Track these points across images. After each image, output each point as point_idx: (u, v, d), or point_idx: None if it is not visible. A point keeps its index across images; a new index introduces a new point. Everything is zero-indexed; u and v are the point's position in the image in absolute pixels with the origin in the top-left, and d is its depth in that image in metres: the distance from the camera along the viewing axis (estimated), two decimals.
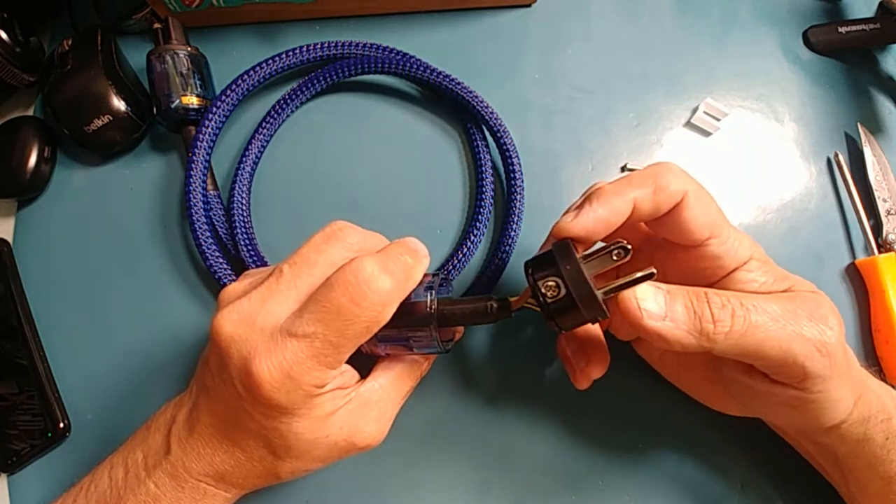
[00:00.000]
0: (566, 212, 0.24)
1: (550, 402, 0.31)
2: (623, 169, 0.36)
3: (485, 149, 0.34)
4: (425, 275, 0.24)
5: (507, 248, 0.32)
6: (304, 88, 0.35)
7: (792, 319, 0.21)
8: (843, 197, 0.36)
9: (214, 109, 0.33)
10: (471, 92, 0.34)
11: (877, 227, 0.35)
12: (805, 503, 0.30)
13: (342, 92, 0.36)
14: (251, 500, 0.29)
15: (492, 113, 0.34)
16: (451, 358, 0.32)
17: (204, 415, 0.23)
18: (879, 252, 0.34)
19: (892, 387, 0.27)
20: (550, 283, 0.22)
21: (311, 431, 0.22)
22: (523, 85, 0.37)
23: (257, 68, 0.34)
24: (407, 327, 0.24)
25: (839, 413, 0.23)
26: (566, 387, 0.31)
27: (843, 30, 0.39)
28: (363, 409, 0.24)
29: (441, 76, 0.34)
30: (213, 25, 0.37)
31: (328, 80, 0.35)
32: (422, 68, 0.34)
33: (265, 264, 0.32)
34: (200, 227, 0.32)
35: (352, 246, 0.23)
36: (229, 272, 0.32)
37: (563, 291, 0.21)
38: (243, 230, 0.32)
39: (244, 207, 0.33)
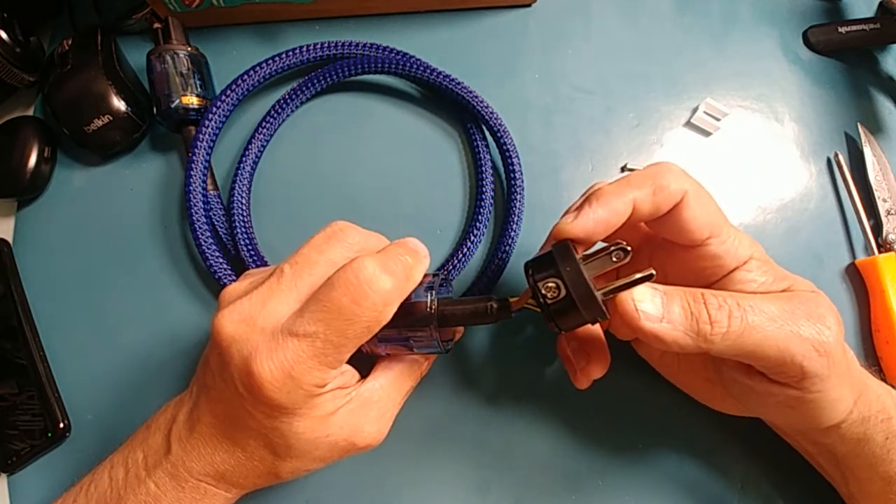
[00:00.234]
0: (566, 213, 0.24)
1: (550, 401, 0.31)
2: (623, 169, 0.36)
3: (485, 149, 0.34)
4: (425, 275, 0.24)
5: (507, 248, 0.32)
6: (303, 88, 0.35)
7: (789, 319, 0.21)
8: (843, 197, 0.36)
9: (214, 109, 0.33)
10: (471, 92, 0.34)
11: (877, 227, 0.35)
12: (805, 503, 0.30)
13: (342, 92, 0.36)
14: (251, 500, 0.29)
15: (492, 113, 0.34)
16: (451, 358, 0.32)
17: (204, 414, 0.23)
18: (879, 252, 0.34)
19: (893, 387, 0.27)
20: (550, 284, 0.22)
21: (312, 431, 0.22)
22: (523, 85, 0.37)
23: (257, 68, 0.34)
24: (407, 327, 0.24)
25: (838, 413, 0.23)
26: (566, 387, 0.31)
27: (843, 30, 0.39)
28: (363, 408, 0.24)
29: (441, 76, 0.34)
30: (213, 25, 0.37)
31: (328, 80, 0.35)
32: (422, 68, 0.34)
33: (265, 264, 0.32)
34: (200, 227, 0.32)
35: (352, 246, 0.23)
36: (229, 272, 0.32)
37: (563, 292, 0.21)
38: (243, 230, 0.32)
39: (244, 207, 0.33)
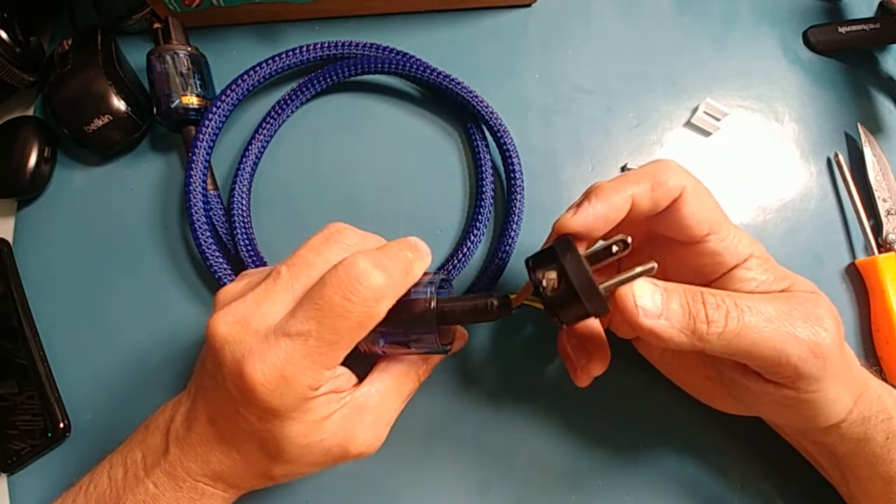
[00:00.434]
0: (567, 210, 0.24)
1: (550, 401, 0.31)
2: (623, 169, 0.36)
3: (485, 149, 0.34)
4: (426, 273, 0.24)
5: (507, 248, 0.32)
6: (304, 88, 0.35)
7: (786, 320, 0.21)
8: (843, 197, 0.36)
9: (214, 109, 0.33)
10: (471, 92, 0.34)
11: (877, 227, 0.35)
12: (805, 503, 0.30)
13: (342, 92, 0.36)
14: (251, 500, 0.29)
15: (492, 113, 0.34)
16: (451, 358, 0.32)
17: (201, 415, 0.23)
18: (879, 252, 0.34)
19: (893, 386, 0.27)
20: (551, 276, 0.22)
21: (304, 436, 0.22)
22: (523, 85, 0.37)
23: (257, 68, 0.34)
24: (406, 325, 0.23)
25: (836, 413, 0.23)
26: (566, 386, 0.31)
27: (843, 30, 0.39)
28: (358, 414, 0.23)
29: (441, 76, 0.34)
30: (213, 25, 0.37)
31: (328, 80, 0.35)
32: (422, 68, 0.34)
33: (264, 264, 0.32)
34: (200, 228, 0.32)
35: (350, 247, 0.23)
36: (229, 272, 0.32)
37: (564, 284, 0.21)
38: (243, 230, 0.32)
39: (244, 207, 0.33)
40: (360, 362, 0.24)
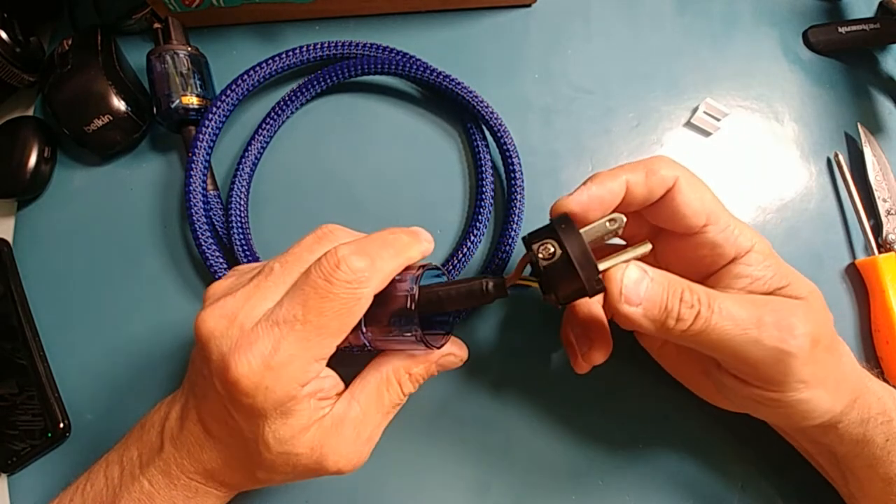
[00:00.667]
0: None
1: (551, 401, 0.31)
2: None
3: (485, 149, 0.34)
4: (421, 266, 0.24)
5: (507, 248, 0.32)
6: (304, 89, 0.35)
7: (754, 326, 0.21)
8: (843, 197, 0.36)
9: (214, 109, 0.33)
10: (471, 92, 0.34)
11: (877, 227, 0.35)
12: (805, 503, 0.30)
13: (342, 92, 0.36)
14: (252, 500, 0.29)
15: (492, 113, 0.34)
16: None
17: (192, 412, 0.23)
18: (879, 252, 0.34)
19: (894, 387, 0.27)
20: (547, 246, 0.22)
21: (282, 443, 0.21)
22: (523, 85, 0.37)
23: (257, 68, 0.34)
24: (392, 314, 0.23)
25: (815, 415, 0.23)
26: (566, 386, 0.31)
27: (843, 30, 0.39)
28: (337, 427, 0.23)
29: (441, 76, 0.34)
30: (213, 25, 0.37)
31: (328, 80, 0.35)
32: (422, 68, 0.34)
33: None
34: (200, 227, 0.32)
35: None
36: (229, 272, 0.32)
37: (559, 251, 0.21)
38: (240, 230, 0.32)
39: (242, 207, 0.33)
40: (350, 372, 0.24)
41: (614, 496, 0.30)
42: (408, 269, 0.24)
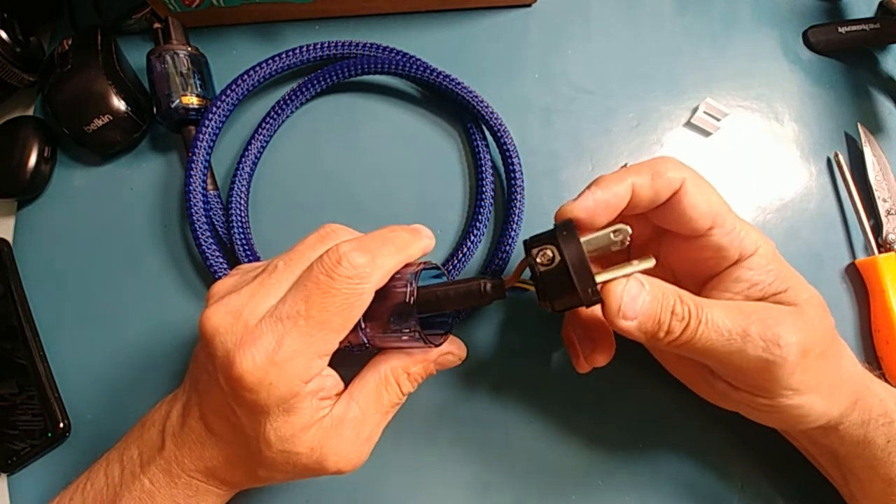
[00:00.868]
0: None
1: (551, 401, 0.31)
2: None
3: (485, 149, 0.34)
4: (421, 263, 0.24)
5: (507, 248, 0.32)
6: (304, 89, 0.35)
7: (738, 336, 0.22)
8: (843, 197, 0.36)
9: (214, 109, 0.33)
10: (471, 92, 0.34)
11: (877, 227, 0.35)
12: (805, 503, 0.30)
13: (342, 92, 0.36)
14: (252, 500, 0.29)
15: (492, 113, 0.34)
16: None
17: (194, 409, 0.23)
18: (879, 252, 0.34)
19: (894, 387, 0.27)
20: (546, 253, 0.22)
21: (282, 441, 0.21)
22: (523, 85, 0.37)
23: (257, 68, 0.34)
24: (391, 311, 0.23)
25: (811, 419, 0.23)
26: (566, 386, 0.31)
27: (843, 30, 0.39)
28: (336, 428, 0.23)
29: (441, 76, 0.34)
30: (213, 25, 0.37)
31: (328, 80, 0.35)
32: (422, 68, 0.34)
33: None
34: (200, 227, 0.32)
35: None
36: (229, 272, 0.31)
37: (558, 259, 0.21)
38: (240, 230, 0.32)
39: (242, 207, 0.33)
40: (353, 369, 0.24)
41: (614, 496, 0.30)
42: (407, 266, 0.24)
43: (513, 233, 0.33)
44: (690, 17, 0.40)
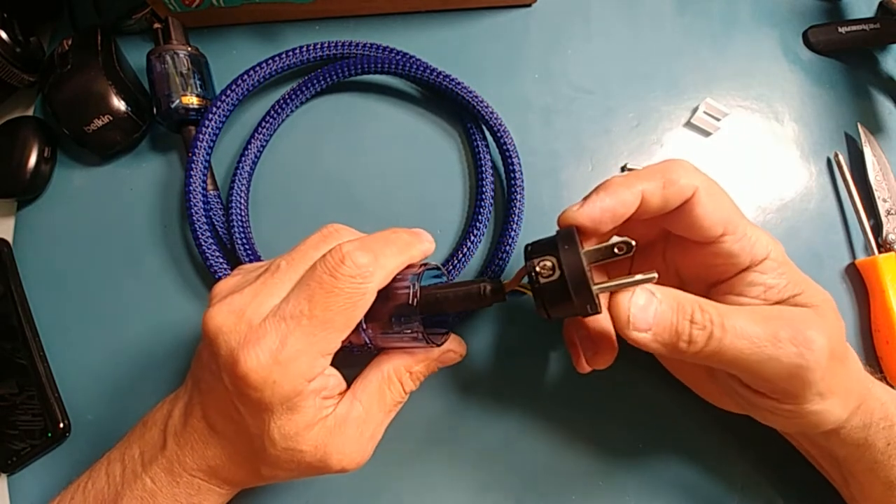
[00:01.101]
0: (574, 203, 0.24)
1: (551, 402, 0.31)
2: (623, 169, 0.36)
3: (485, 149, 0.34)
4: (423, 264, 0.24)
5: (507, 248, 0.32)
6: (303, 88, 0.35)
7: (770, 342, 0.21)
8: (843, 197, 0.36)
9: (214, 109, 0.33)
10: (471, 92, 0.34)
11: (877, 227, 0.35)
12: (805, 503, 0.30)
13: (342, 92, 0.36)
14: (252, 500, 0.29)
15: (492, 113, 0.34)
16: None
17: (196, 408, 0.23)
18: (879, 252, 0.34)
19: (894, 387, 0.27)
20: (547, 264, 0.21)
21: (286, 439, 0.21)
22: (523, 85, 0.37)
23: (257, 68, 0.34)
24: (393, 311, 0.23)
25: (829, 423, 0.23)
26: (567, 387, 0.31)
27: (843, 30, 0.39)
28: (340, 427, 0.23)
29: (441, 76, 0.34)
30: (213, 25, 0.37)
31: (328, 80, 0.35)
32: (422, 68, 0.34)
33: None
34: (200, 227, 0.32)
35: None
36: (229, 272, 0.32)
37: (557, 273, 0.21)
38: (240, 230, 0.32)
39: (242, 207, 0.33)
40: (354, 370, 0.24)
41: (614, 496, 0.30)
42: (409, 267, 0.24)
43: (513, 233, 0.33)
44: (690, 17, 0.40)
